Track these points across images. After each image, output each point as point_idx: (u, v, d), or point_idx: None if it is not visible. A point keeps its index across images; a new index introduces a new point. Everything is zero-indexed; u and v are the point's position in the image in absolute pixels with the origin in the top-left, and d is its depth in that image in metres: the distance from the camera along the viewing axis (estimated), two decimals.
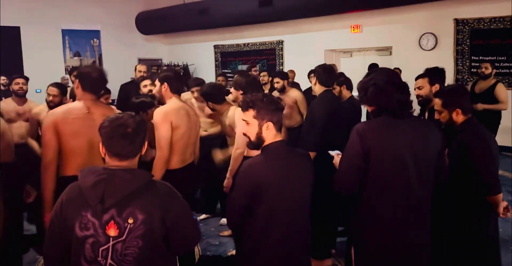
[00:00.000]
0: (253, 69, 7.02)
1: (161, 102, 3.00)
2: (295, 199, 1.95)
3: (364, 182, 1.97)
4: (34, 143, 3.86)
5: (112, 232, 1.51)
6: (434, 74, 3.19)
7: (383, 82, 1.98)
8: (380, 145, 1.92)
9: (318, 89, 3.39)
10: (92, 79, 2.59)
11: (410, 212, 1.97)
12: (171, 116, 2.77)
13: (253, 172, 1.91)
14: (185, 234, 1.64)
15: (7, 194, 2.58)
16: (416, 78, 3.20)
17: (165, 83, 2.89)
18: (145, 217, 1.52)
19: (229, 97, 4.58)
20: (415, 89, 3.16)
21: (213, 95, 3.56)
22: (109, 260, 1.51)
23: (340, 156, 2.12)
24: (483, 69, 5.62)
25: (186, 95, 5.11)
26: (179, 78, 3.03)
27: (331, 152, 2.30)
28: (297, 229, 1.97)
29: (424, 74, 3.19)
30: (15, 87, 4.50)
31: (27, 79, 4.67)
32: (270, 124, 1.95)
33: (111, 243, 1.51)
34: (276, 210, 1.91)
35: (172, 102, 2.89)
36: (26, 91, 4.55)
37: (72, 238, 1.54)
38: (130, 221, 1.51)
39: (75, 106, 2.59)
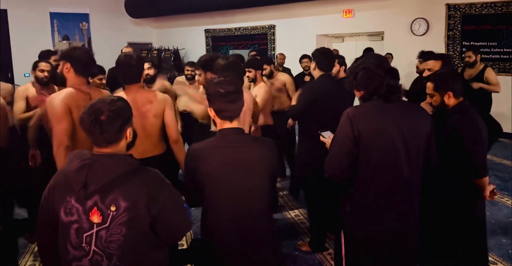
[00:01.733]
0: (251, 53, 6.92)
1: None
2: (241, 190, 1.86)
3: (355, 167, 1.96)
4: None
5: (96, 218, 1.49)
6: (448, 59, 3.05)
7: (373, 66, 1.97)
8: (370, 129, 1.92)
9: (317, 74, 3.34)
10: (84, 62, 2.50)
11: (400, 196, 1.98)
12: None
13: (193, 156, 1.87)
14: (173, 223, 1.60)
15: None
16: (426, 58, 3.09)
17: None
18: (129, 204, 1.49)
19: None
20: (424, 70, 3.08)
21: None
22: (92, 247, 1.49)
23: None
24: (467, 58, 5.62)
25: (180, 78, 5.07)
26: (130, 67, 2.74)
27: (324, 133, 2.28)
28: (245, 222, 1.88)
29: (438, 56, 3.06)
30: None
31: None
32: (211, 109, 1.90)
33: (94, 229, 1.50)
34: (218, 199, 1.86)
35: (119, 93, 2.70)
36: None
37: (59, 223, 1.53)
38: (113, 208, 1.49)
39: (77, 93, 2.47)
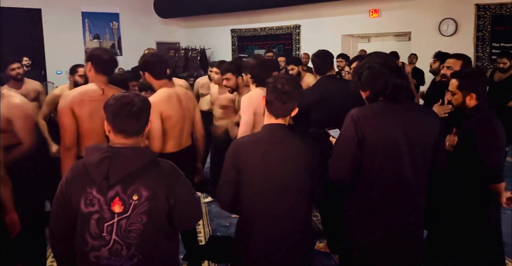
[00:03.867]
0: (267, 54, 6.98)
1: (153, 89, 2.91)
2: (276, 184, 1.88)
3: (358, 170, 1.93)
4: (42, 124, 3.81)
5: (117, 208, 1.56)
6: (468, 61, 3.03)
7: (378, 66, 1.93)
8: (375, 131, 1.88)
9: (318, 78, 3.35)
10: (103, 62, 2.64)
11: (404, 200, 1.95)
12: (160, 106, 2.70)
13: (235, 149, 1.93)
14: (187, 211, 1.69)
15: (28, 172, 2.68)
16: (446, 56, 3.08)
17: (146, 72, 2.83)
18: (150, 193, 1.57)
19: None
20: (442, 67, 3.06)
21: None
22: (113, 236, 1.57)
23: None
24: (501, 65, 5.49)
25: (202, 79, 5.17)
26: (162, 62, 2.89)
27: (332, 131, 2.25)
28: (283, 219, 1.90)
29: (459, 56, 3.04)
30: (12, 73, 4.40)
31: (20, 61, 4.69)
32: (264, 98, 1.97)
33: (115, 219, 1.57)
34: (253, 192, 1.89)
35: (161, 91, 2.81)
36: (24, 74, 4.57)
37: (78, 215, 1.60)
38: (135, 197, 1.56)
39: (90, 88, 2.64)
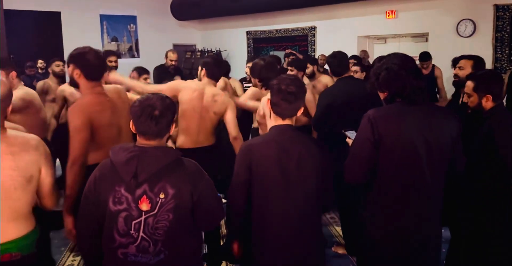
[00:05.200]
0: (291, 57, 6.98)
1: None
2: (288, 182, 1.89)
3: (374, 171, 1.93)
4: (53, 124, 4.06)
5: (145, 206, 1.61)
6: (480, 61, 3.10)
7: (396, 67, 1.91)
8: (391, 133, 1.87)
9: (334, 79, 3.36)
10: (94, 67, 2.41)
11: (421, 202, 1.93)
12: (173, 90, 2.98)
13: (246, 149, 1.94)
14: (210, 209, 1.73)
15: None
16: (461, 58, 3.14)
17: (204, 69, 3.09)
18: (175, 191, 1.62)
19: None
20: (455, 68, 3.12)
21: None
22: (141, 233, 1.61)
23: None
24: None
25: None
26: (218, 64, 3.16)
27: (349, 133, 2.25)
28: (295, 218, 1.91)
29: (470, 56, 3.10)
30: (56, 69, 4.84)
31: (64, 62, 4.95)
32: (268, 101, 1.99)
33: (143, 217, 1.61)
34: (265, 192, 1.90)
35: (189, 82, 3.10)
36: (65, 73, 4.84)
37: (106, 212, 1.64)
38: (162, 195, 1.61)
39: (95, 97, 2.40)
